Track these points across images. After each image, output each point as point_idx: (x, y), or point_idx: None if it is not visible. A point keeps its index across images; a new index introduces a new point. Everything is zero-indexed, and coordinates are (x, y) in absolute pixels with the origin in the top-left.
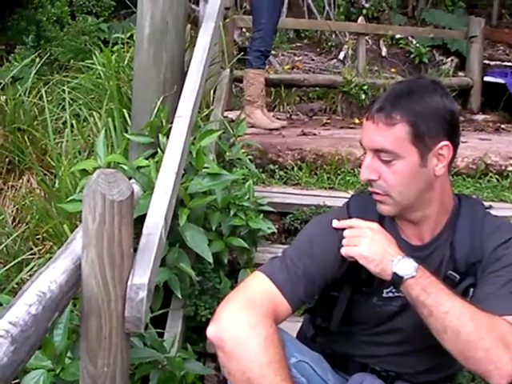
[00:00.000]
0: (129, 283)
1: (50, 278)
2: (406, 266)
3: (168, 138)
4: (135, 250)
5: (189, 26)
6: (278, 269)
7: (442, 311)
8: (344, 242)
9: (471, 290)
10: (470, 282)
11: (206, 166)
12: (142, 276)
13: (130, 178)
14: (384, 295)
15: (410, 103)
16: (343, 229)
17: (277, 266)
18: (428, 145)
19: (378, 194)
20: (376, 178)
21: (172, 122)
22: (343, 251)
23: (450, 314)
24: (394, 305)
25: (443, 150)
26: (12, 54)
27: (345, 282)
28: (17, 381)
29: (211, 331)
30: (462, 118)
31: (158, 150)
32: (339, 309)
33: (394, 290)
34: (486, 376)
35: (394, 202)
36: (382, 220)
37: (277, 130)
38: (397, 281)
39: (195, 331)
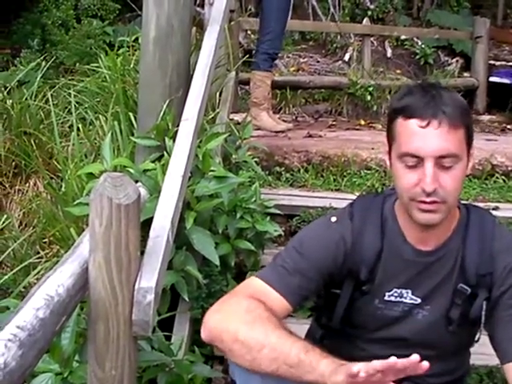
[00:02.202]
0: (136, 286)
1: (57, 282)
2: None
3: (174, 141)
4: (142, 253)
5: (194, 28)
6: (267, 270)
7: None
8: None
9: (484, 302)
10: (483, 296)
11: (212, 168)
12: (149, 279)
13: (136, 182)
14: (386, 298)
15: (458, 104)
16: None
17: (266, 268)
18: (471, 144)
19: (435, 203)
20: (438, 186)
21: (178, 125)
22: None
23: None
24: (396, 310)
25: (473, 149)
26: (18, 58)
27: (345, 279)
28: None
29: (202, 333)
30: None
31: (165, 153)
32: (340, 305)
33: (395, 295)
34: None
35: (446, 209)
36: (384, 223)
37: (283, 132)
38: None
39: None
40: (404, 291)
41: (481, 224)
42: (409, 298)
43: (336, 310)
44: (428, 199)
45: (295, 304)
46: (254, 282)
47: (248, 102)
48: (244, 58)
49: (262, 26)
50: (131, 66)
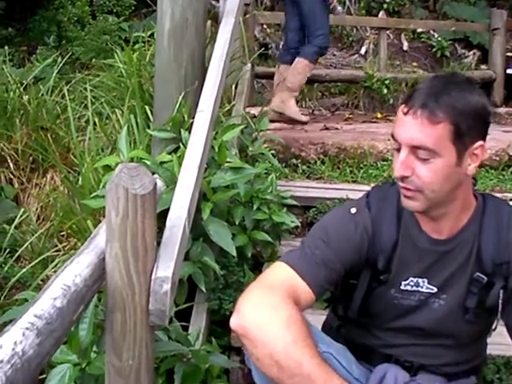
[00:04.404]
0: (153, 276)
1: (74, 272)
2: None
3: (190, 132)
4: (159, 244)
5: (209, 22)
6: (297, 257)
7: None
8: None
9: (501, 291)
10: (500, 285)
11: (228, 160)
12: (165, 269)
13: (153, 174)
14: (402, 287)
15: (452, 101)
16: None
17: (296, 255)
18: (466, 144)
19: (409, 189)
20: (410, 174)
21: (194, 117)
22: None
23: None
24: (412, 299)
25: (478, 150)
26: (34, 55)
27: (363, 269)
28: (43, 376)
29: (233, 321)
30: None
31: (181, 144)
32: (357, 296)
33: (412, 284)
34: None
35: (424, 199)
36: (400, 213)
37: (304, 123)
38: None
39: (220, 325)
40: (420, 280)
41: (497, 213)
42: (425, 287)
43: (353, 300)
44: (401, 184)
45: (319, 295)
46: (286, 272)
47: (265, 95)
48: (260, 51)
49: (308, 23)
50: (147, 60)
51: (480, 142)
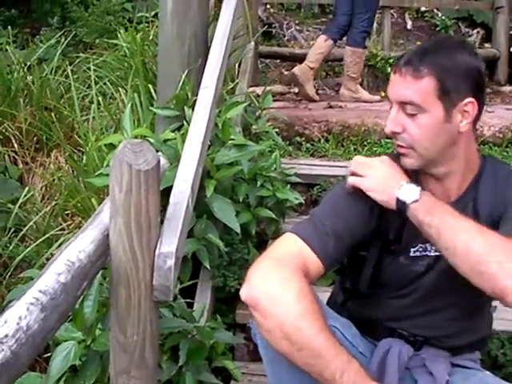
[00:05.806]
0: (156, 252)
1: (78, 248)
2: (409, 192)
3: (194, 110)
4: (162, 222)
5: (212, 0)
6: (306, 228)
7: (448, 227)
8: (351, 176)
9: None
10: None
11: (232, 137)
12: (169, 244)
13: (156, 151)
14: (411, 254)
15: (437, 58)
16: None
17: (305, 226)
18: (453, 100)
19: (402, 147)
20: (400, 130)
21: (197, 95)
22: (350, 181)
23: (457, 229)
24: (421, 264)
25: (468, 107)
26: (37, 37)
27: (373, 241)
28: (49, 354)
29: (244, 292)
30: (488, 90)
31: (184, 122)
32: (368, 268)
33: (420, 249)
34: (501, 293)
35: (417, 155)
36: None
37: (377, 102)
38: (401, 207)
39: (224, 302)
40: (428, 245)
41: (495, 171)
42: (433, 250)
43: (363, 272)
44: (395, 142)
45: (329, 268)
46: (295, 243)
47: (268, 75)
48: (263, 29)
49: (358, 4)
50: (150, 39)
51: (469, 99)
